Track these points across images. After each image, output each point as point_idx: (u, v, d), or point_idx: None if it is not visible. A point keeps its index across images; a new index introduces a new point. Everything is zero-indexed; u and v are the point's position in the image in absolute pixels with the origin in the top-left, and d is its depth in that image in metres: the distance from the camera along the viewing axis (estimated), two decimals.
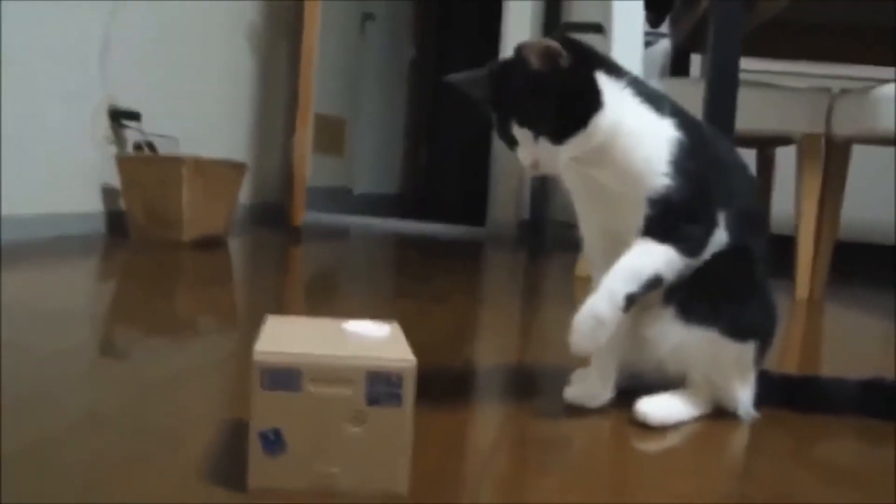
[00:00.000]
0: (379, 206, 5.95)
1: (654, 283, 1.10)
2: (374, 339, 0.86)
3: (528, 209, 4.57)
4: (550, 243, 4.18)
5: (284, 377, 0.76)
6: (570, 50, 1.05)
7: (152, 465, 0.86)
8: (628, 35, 2.67)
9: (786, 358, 1.72)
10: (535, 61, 1.04)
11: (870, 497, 0.93)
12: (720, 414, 1.19)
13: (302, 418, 0.77)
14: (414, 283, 2.54)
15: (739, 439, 1.15)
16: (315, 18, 3.57)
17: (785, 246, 2.69)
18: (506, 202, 4.46)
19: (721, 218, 1.13)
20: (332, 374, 0.77)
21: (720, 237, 1.13)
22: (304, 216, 3.77)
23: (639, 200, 1.10)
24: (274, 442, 0.77)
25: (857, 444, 1.16)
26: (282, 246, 3.28)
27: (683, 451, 1.08)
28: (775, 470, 1.01)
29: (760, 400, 1.21)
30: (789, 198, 2.73)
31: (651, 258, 1.09)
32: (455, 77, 1.14)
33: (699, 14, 2.80)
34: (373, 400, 0.78)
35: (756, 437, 1.15)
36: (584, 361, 1.19)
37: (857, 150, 2.70)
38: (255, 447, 0.77)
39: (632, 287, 1.08)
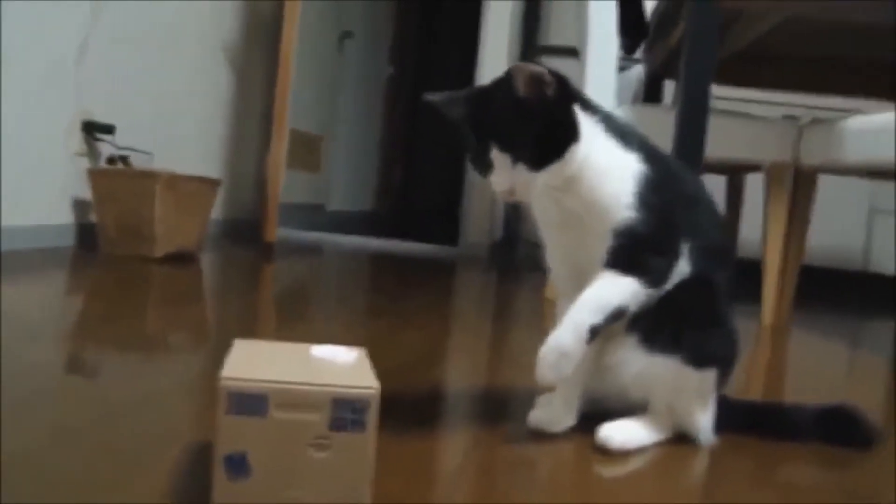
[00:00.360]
0: (353, 224, 5.96)
1: (618, 314, 1.12)
2: (340, 365, 0.87)
3: (500, 229, 4.61)
4: (522, 264, 4.21)
5: (250, 402, 0.77)
6: (556, 80, 1.08)
7: (115, 486, 0.86)
8: (602, 60, 2.71)
9: (750, 384, 1.75)
10: (522, 87, 1.07)
11: None
12: (680, 439, 1.21)
13: (267, 443, 0.78)
14: (385, 302, 2.55)
15: (700, 464, 1.17)
16: (292, 33, 3.59)
17: (752, 270, 2.73)
18: (478, 222, 4.49)
19: (684, 249, 1.16)
20: (297, 399, 0.78)
21: (682, 268, 1.16)
22: (278, 232, 3.77)
23: (604, 232, 1.12)
24: (239, 466, 0.78)
25: (816, 469, 1.19)
26: (254, 263, 3.28)
27: (645, 476, 1.10)
28: (735, 494, 1.03)
29: (721, 425, 1.24)
30: (758, 223, 2.78)
31: (615, 290, 1.12)
32: (434, 97, 1.17)
33: (673, 42, 2.85)
34: (337, 426, 0.79)
35: (716, 462, 1.17)
36: (549, 386, 1.20)
37: (824, 178, 2.76)
38: (219, 471, 0.78)
39: (596, 318, 1.10)
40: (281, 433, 0.78)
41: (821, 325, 2.84)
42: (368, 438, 0.79)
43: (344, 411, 0.78)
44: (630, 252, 1.12)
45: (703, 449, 1.20)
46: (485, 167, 1.12)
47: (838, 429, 1.27)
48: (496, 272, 3.82)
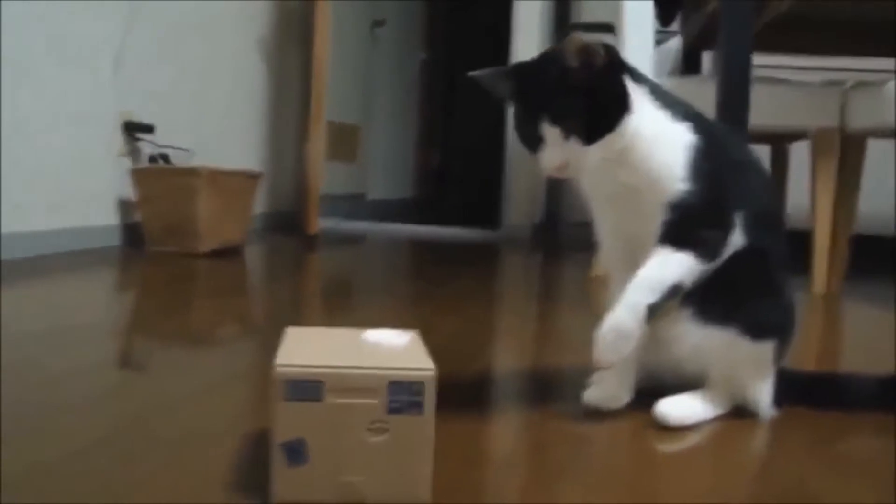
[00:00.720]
0: (393, 212, 5.97)
1: (674, 291, 1.10)
2: (394, 348, 0.86)
3: (542, 211, 4.57)
4: (565, 245, 4.18)
5: (306, 388, 0.77)
6: (605, 51, 1.06)
7: (176, 477, 0.86)
8: (639, 34, 2.67)
9: (804, 354, 1.72)
10: (573, 58, 1.05)
11: (888, 494, 0.93)
12: (739, 413, 1.19)
13: (324, 429, 0.78)
14: (429, 287, 2.55)
15: (759, 438, 1.15)
16: (325, 26, 3.59)
17: (801, 241, 2.68)
18: (520, 204, 4.46)
19: (738, 219, 1.13)
20: (353, 384, 0.78)
21: (737, 239, 1.14)
22: (319, 223, 3.78)
23: (657, 205, 1.10)
24: (297, 453, 0.78)
25: (875, 440, 1.16)
26: (298, 254, 3.29)
27: (703, 451, 1.08)
28: (794, 468, 1.01)
29: (780, 398, 1.21)
30: (804, 193, 2.72)
31: (671, 267, 1.09)
32: (479, 74, 1.15)
33: (709, 11, 2.80)
34: (394, 409, 0.78)
35: (775, 436, 1.15)
36: (606, 367, 1.18)
37: (874, 143, 2.69)
38: (278, 459, 0.78)
39: (653, 298, 1.08)
40: (338, 418, 0.78)
41: (874, 294, 2.78)
42: (427, 420, 0.79)
43: (401, 394, 0.78)
44: (685, 226, 1.09)
45: (763, 423, 1.18)
46: (536, 143, 1.10)
47: None
48: (539, 254, 3.80)
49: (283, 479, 0.78)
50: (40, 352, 1.40)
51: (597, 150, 1.08)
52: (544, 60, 1.10)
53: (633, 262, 1.11)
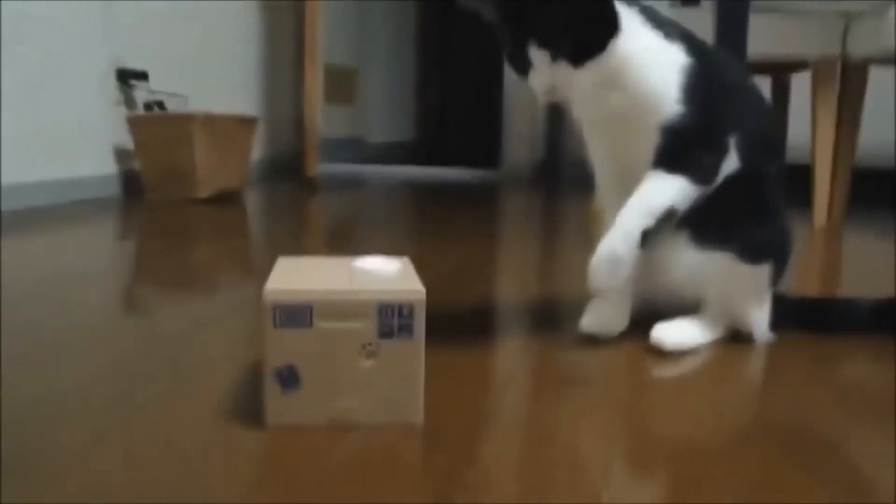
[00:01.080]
0: (394, 154, 5.94)
1: (668, 215, 1.09)
2: (384, 273, 0.86)
3: (542, 149, 4.54)
4: (567, 182, 4.16)
5: (295, 314, 0.77)
6: None
7: (172, 406, 0.87)
8: None
9: (806, 283, 1.72)
10: None
11: (885, 416, 0.93)
12: (736, 337, 1.20)
13: (315, 354, 0.78)
14: (430, 226, 2.54)
15: (756, 363, 1.15)
16: None
17: (803, 175, 2.66)
18: (520, 143, 4.43)
19: (732, 142, 1.12)
20: (342, 308, 0.78)
21: (731, 162, 1.12)
22: (320, 167, 3.76)
23: (651, 128, 1.08)
24: (288, 378, 0.78)
25: (872, 363, 1.16)
26: (297, 198, 3.28)
27: (701, 376, 1.08)
28: (791, 392, 1.01)
29: (777, 322, 1.21)
30: (806, 127, 2.69)
31: (664, 191, 1.08)
32: None
33: None
34: (384, 332, 0.78)
35: (773, 360, 1.15)
36: (601, 293, 1.17)
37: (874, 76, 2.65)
38: (270, 384, 0.78)
39: (647, 221, 1.07)
40: (328, 343, 0.78)
41: (876, 225, 2.77)
42: (417, 343, 0.79)
43: (390, 317, 0.78)
44: (679, 149, 1.08)
45: (760, 346, 1.18)
46: (524, 66, 1.08)
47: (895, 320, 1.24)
48: (541, 192, 3.79)
49: (276, 404, 0.78)
50: (40, 294, 1.40)
51: (586, 73, 1.06)
52: None
53: (628, 187, 1.10)
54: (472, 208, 3.08)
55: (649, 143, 1.09)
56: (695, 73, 1.08)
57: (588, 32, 1.05)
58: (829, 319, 1.27)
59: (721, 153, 1.12)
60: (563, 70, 1.06)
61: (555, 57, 1.06)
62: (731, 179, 1.13)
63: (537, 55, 1.06)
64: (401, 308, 0.78)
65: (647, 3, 1.13)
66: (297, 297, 0.77)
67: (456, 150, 6.99)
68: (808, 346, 1.20)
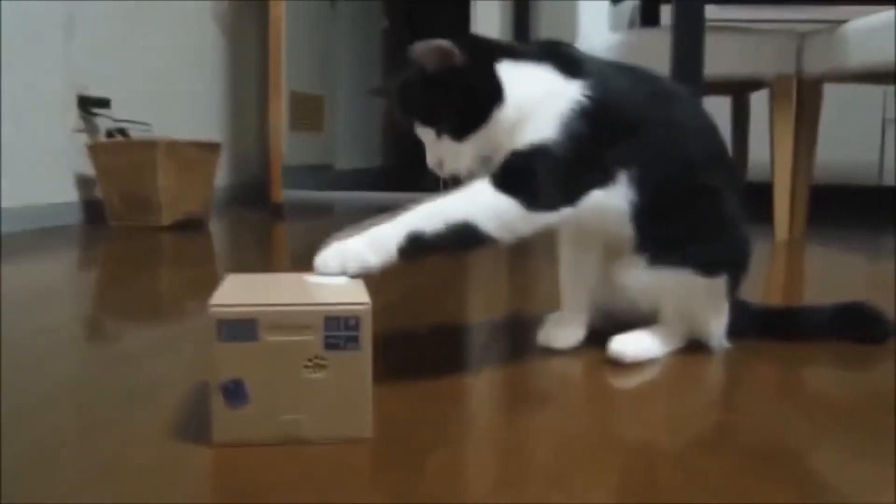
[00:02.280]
0: (362, 180, 5.93)
1: (464, 231, 0.99)
2: (332, 287, 0.85)
3: None
4: None
5: (241, 328, 0.76)
6: (465, 47, 1.04)
7: (122, 426, 0.86)
8: None
9: (770, 295, 1.73)
10: (428, 63, 1.04)
11: (844, 421, 0.94)
12: (694, 346, 1.20)
13: (262, 368, 0.77)
14: None
15: (715, 371, 1.15)
16: None
17: (764, 192, 2.69)
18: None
19: (624, 175, 1.09)
20: (288, 321, 0.77)
21: (626, 193, 1.09)
22: (286, 195, 3.75)
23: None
24: (235, 393, 0.77)
25: (833, 368, 1.17)
26: (263, 224, 3.27)
27: (660, 386, 1.08)
28: (751, 399, 1.01)
29: (738, 331, 1.22)
30: (766, 145, 2.73)
31: (471, 202, 1.01)
32: (372, 90, 1.19)
33: None
34: (331, 345, 0.78)
35: (731, 368, 1.15)
36: (331, 274, 0.97)
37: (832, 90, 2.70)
38: (217, 400, 0.77)
39: (426, 226, 0.98)
40: (275, 356, 0.77)
41: (835, 239, 2.80)
42: (364, 355, 0.78)
43: (337, 329, 0.77)
44: (518, 169, 1.03)
45: (718, 355, 1.19)
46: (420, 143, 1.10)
47: (854, 325, 1.26)
48: None
49: (223, 420, 0.77)
50: (3, 322, 1.38)
51: (470, 146, 1.06)
52: (410, 67, 1.07)
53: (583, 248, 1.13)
54: None
55: None
56: (580, 112, 1.05)
57: (468, 107, 1.05)
58: (790, 326, 1.28)
59: (580, 184, 1.07)
60: (448, 145, 1.07)
61: (438, 134, 1.06)
62: (681, 198, 1.13)
63: (423, 132, 1.08)
64: (347, 320, 0.77)
65: (557, 47, 1.12)
66: (243, 311, 0.77)
67: (423, 175, 7.01)
68: (767, 354, 1.21)
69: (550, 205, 1.04)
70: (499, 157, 1.06)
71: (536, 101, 1.05)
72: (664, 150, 1.13)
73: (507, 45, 1.10)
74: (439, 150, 1.08)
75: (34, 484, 0.71)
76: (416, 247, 0.97)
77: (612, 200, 1.09)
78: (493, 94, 1.04)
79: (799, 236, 2.69)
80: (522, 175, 1.03)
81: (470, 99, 1.04)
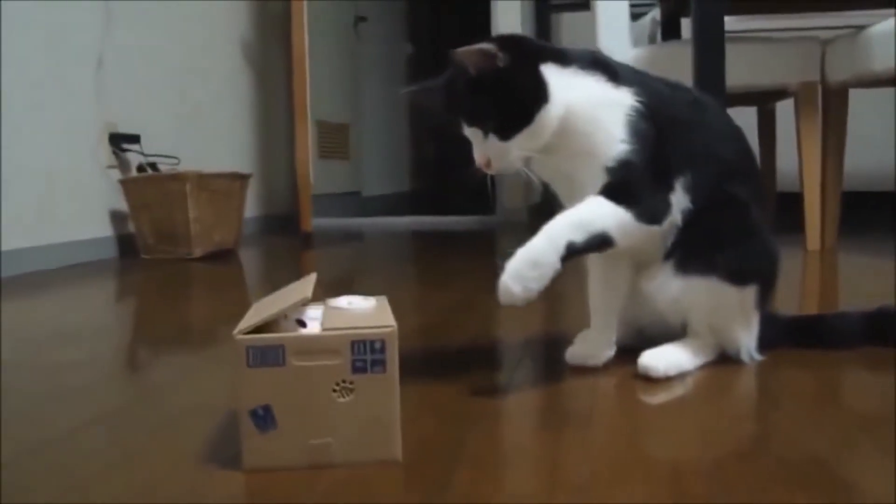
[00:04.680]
0: (390, 206, 5.96)
1: (601, 240, 1.06)
2: (358, 310, 0.86)
3: (538, 193, 4.56)
4: None
5: (268, 353, 0.77)
6: (507, 48, 1.05)
7: (154, 454, 0.87)
8: (612, 7, 2.67)
9: (804, 306, 1.71)
10: (471, 66, 1.05)
11: (879, 432, 0.92)
12: (726, 360, 1.19)
13: (290, 393, 0.78)
14: (427, 270, 2.55)
15: (745, 384, 1.14)
16: (302, 25, 3.59)
17: (795, 201, 2.66)
18: (513, 188, 4.45)
19: (679, 182, 1.12)
20: (315, 346, 0.78)
21: (680, 201, 1.12)
22: (315, 222, 3.78)
23: (599, 171, 1.08)
24: (264, 419, 0.78)
25: (865, 379, 1.15)
26: (293, 253, 3.30)
27: (691, 401, 1.07)
28: (783, 412, 1.00)
29: (769, 342, 1.21)
30: (794, 155, 2.70)
31: (603, 213, 1.06)
32: (409, 89, 1.18)
33: None
34: (358, 368, 0.78)
35: (762, 381, 1.14)
36: (512, 304, 1.04)
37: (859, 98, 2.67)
38: (246, 426, 0.78)
39: (575, 235, 1.04)
40: (302, 381, 0.78)
41: (868, 247, 2.76)
42: (391, 377, 0.79)
43: (363, 353, 0.78)
44: (623, 183, 1.07)
45: (750, 367, 1.18)
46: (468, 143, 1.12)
47: (885, 330, 1.24)
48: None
49: (253, 445, 0.78)
50: (37, 354, 1.41)
51: (516, 145, 1.08)
52: (455, 70, 1.09)
53: None
54: (468, 253, 3.08)
55: (598, 182, 1.08)
56: (640, 114, 1.09)
57: (511, 107, 1.06)
58: (820, 335, 1.27)
59: (664, 192, 1.11)
60: (494, 144, 1.08)
61: (485, 133, 1.08)
62: (709, 207, 1.13)
63: (470, 132, 1.10)
64: (373, 343, 0.78)
65: (595, 55, 1.14)
66: (270, 337, 0.77)
67: (451, 199, 7.02)
68: (798, 363, 1.19)
69: (660, 215, 1.10)
70: (557, 159, 1.09)
71: (596, 106, 1.08)
72: (708, 156, 1.15)
73: (551, 48, 1.12)
74: (486, 149, 1.09)
75: None
76: (570, 254, 1.04)
77: (676, 209, 1.12)
78: (537, 94, 1.06)
79: (831, 245, 2.66)
80: (628, 189, 1.07)
81: (514, 100, 1.06)
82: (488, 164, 1.10)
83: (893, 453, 0.82)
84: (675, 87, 1.20)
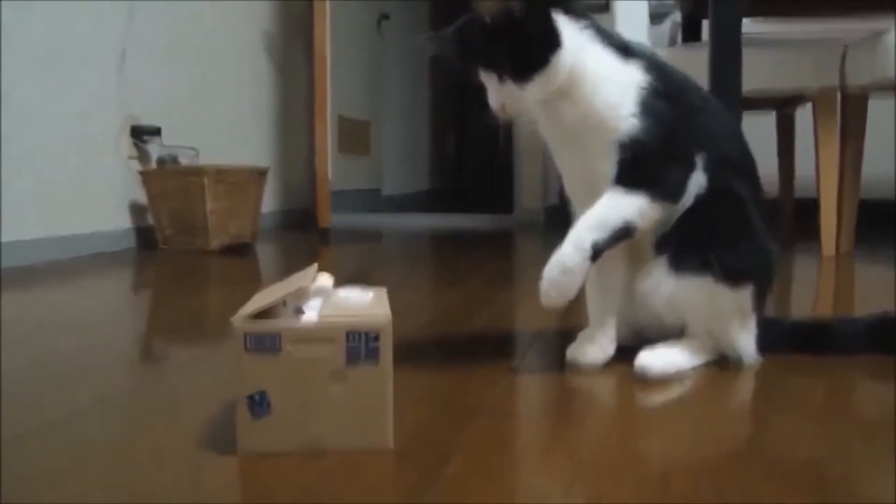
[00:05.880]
0: (409, 204, 5.98)
1: (623, 231, 1.10)
2: (356, 301, 0.88)
3: (555, 193, 4.57)
4: None
5: (264, 340, 0.79)
6: None
7: (153, 437, 0.89)
8: (632, 10, 2.67)
9: (817, 311, 1.71)
10: (488, 16, 1.07)
11: (875, 437, 0.93)
12: (726, 361, 1.19)
13: (285, 380, 0.80)
14: (441, 267, 2.56)
15: (742, 385, 1.15)
16: (323, 21, 3.61)
17: (812, 209, 2.65)
18: (531, 188, 4.46)
19: (699, 160, 1.14)
20: (310, 334, 0.80)
21: (699, 180, 1.14)
22: (335, 219, 3.80)
23: (606, 142, 1.10)
24: (260, 404, 0.79)
25: (864, 384, 1.16)
26: (310, 248, 3.32)
27: (688, 401, 1.08)
28: (780, 414, 1.00)
29: (770, 345, 1.21)
30: (813, 162, 2.69)
31: (620, 207, 1.10)
32: (427, 36, 1.19)
33: None
34: (352, 357, 0.80)
35: (760, 383, 1.14)
36: (554, 307, 1.13)
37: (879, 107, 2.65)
38: (242, 411, 0.80)
39: (598, 235, 1.09)
40: (298, 369, 0.79)
41: (885, 255, 2.74)
42: (384, 368, 0.80)
43: (358, 342, 0.79)
44: (637, 165, 1.10)
45: (749, 370, 1.18)
46: (483, 89, 1.13)
47: (888, 337, 1.23)
48: (553, 235, 3.79)
49: (248, 430, 0.80)
50: (51, 339, 1.44)
51: (533, 89, 1.09)
52: (470, 19, 1.11)
53: (593, 200, 1.12)
54: (484, 251, 3.10)
55: (607, 157, 1.11)
56: (652, 90, 1.11)
57: (526, 52, 1.09)
58: (821, 340, 1.27)
59: (686, 169, 1.13)
60: (510, 88, 1.10)
61: (501, 77, 1.09)
62: (706, 201, 1.14)
63: (486, 77, 1.12)
64: (368, 333, 0.80)
65: (598, 24, 1.16)
66: (267, 324, 0.79)
67: (470, 198, 7.04)
68: (798, 367, 1.19)
69: (678, 191, 1.13)
70: (560, 109, 1.11)
71: (601, 72, 1.10)
72: (720, 142, 1.17)
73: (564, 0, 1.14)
74: (502, 94, 1.11)
75: (63, 490, 0.74)
76: (598, 253, 1.10)
77: (692, 187, 1.14)
78: (551, 39, 1.09)
79: (847, 251, 2.64)
80: (641, 171, 1.10)
81: (529, 45, 1.09)
82: (503, 108, 1.12)
83: (890, 457, 0.83)
84: (678, 70, 1.21)
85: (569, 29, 1.10)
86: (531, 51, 1.09)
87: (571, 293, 1.10)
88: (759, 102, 2.85)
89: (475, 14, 1.09)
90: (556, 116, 1.13)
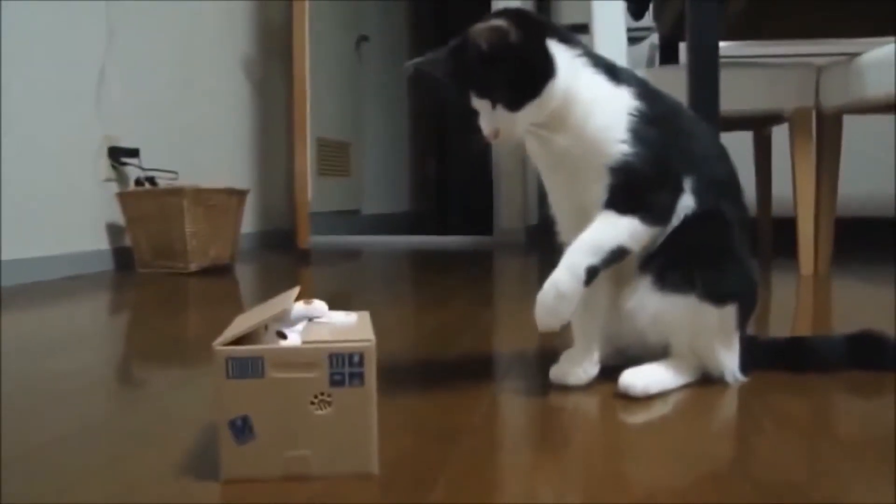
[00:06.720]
0: (390, 225, 5.98)
1: (616, 254, 1.11)
2: (339, 324, 0.87)
3: (535, 213, 4.58)
4: (559, 245, 4.17)
5: (247, 365, 0.78)
6: (518, 23, 1.08)
7: (133, 464, 0.88)
8: (610, 32, 2.69)
9: (795, 330, 1.72)
10: (484, 44, 1.08)
11: (860, 455, 0.93)
12: (709, 380, 1.19)
13: (268, 404, 0.79)
14: (422, 290, 2.56)
15: (726, 405, 1.15)
16: (303, 43, 3.62)
17: (790, 228, 2.68)
18: (511, 208, 4.48)
19: (687, 184, 1.14)
20: (293, 358, 0.79)
21: (687, 202, 1.15)
22: (314, 240, 3.80)
23: (598, 169, 1.11)
24: (242, 430, 0.79)
25: (847, 402, 1.16)
26: (289, 269, 3.31)
27: (672, 420, 1.07)
28: (764, 433, 1.01)
29: (751, 364, 1.22)
30: (789, 181, 2.72)
31: (613, 231, 1.11)
32: (417, 61, 1.18)
33: (680, 3, 2.81)
34: (336, 381, 0.79)
35: (743, 402, 1.14)
36: (550, 331, 1.14)
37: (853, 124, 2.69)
38: (224, 437, 0.79)
39: (592, 260, 1.10)
40: (281, 393, 0.79)
41: (862, 273, 2.77)
42: (368, 391, 0.80)
43: (341, 366, 0.79)
44: (628, 189, 1.11)
45: (732, 389, 1.18)
46: (474, 115, 1.14)
47: (867, 353, 1.25)
48: (533, 255, 3.81)
49: (231, 456, 0.79)
50: (27, 364, 1.42)
51: (524, 116, 1.10)
52: (465, 43, 1.11)
53: (583, 225, 1.13)
54: (465, 273, 3.09)
55: (600, 184, 1.12)
56: (642, 116, 1.12)
57: (522, 79, 1.09)
58: (803, 358, 1.28)
59: (673, 193, 1.14)
60: (503, 115, 1.11)
61: (493, 104, 1.10)
62: (691, 222, 1.15)
63: (478, 104, 1.12)
64: (351, 357, 0.79)
65: (591, 49, 1.18)
66: (249, 349, 0.79)
67: (453, 219, 7.04)
68: (780, 386, 1.20)
69: (666, 216, 1.14)
70: (553, 138, 1.12)
71: (592, 98, 1.12)
72: (708, 165, 1.19)
73: (554, 25, 1.16)
74: (494, 120, 1.12)
75: None
76: (592, 276, 1.11)
77: (681, 209, 1.15)
78: (546, 68, 1.10)
79: (825, 270, 2.67)
80: (632, 195, 1.12)
81: (524, 73, 1.10)
82: (496, 134, 1.13)
83: (873, 478, 0.83)
84: (665, 94, 1.22)
85: (563, 56, 1.11)
86: (526, 79, 1.09)
87: (566, 317, 1.11)
88: (736, 122, 2.88)
89: (470, 40, 1.09)
90: (548, 141, 1.13)
